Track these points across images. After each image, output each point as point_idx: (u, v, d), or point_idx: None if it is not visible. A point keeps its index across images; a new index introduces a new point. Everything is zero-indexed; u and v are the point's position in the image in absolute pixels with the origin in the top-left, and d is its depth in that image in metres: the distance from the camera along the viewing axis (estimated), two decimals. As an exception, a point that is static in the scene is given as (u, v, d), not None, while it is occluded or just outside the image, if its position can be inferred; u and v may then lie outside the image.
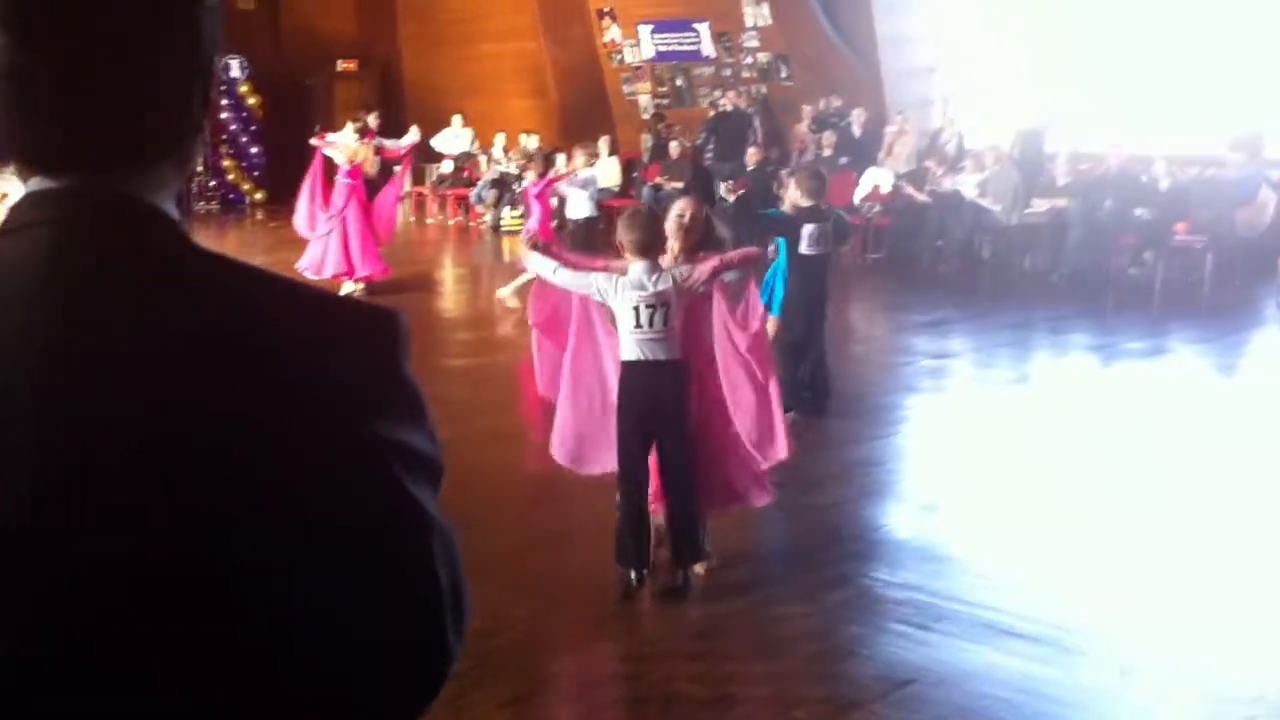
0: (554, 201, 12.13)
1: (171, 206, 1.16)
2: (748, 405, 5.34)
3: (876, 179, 15.23)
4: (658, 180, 17.45)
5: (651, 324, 5.07)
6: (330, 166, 12.71)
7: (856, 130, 16.47)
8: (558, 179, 11.82)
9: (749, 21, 18.27)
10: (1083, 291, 12.36)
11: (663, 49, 19.58)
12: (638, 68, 20.04)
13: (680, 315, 5.15)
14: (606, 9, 19.90)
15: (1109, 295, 12.26)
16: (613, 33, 20.05)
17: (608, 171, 18.44)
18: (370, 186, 12.68)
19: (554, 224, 12.11)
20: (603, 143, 18.69)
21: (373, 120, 13.41)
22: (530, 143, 19.78)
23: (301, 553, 1.07)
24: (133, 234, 1.11)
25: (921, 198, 14.58)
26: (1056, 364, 10.30)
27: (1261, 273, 12.46)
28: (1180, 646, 4.75)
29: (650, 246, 5.13)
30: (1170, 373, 9.85)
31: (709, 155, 17.62)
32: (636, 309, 5.07)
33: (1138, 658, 4.66)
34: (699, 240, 5.35)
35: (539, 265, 5.29)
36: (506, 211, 18.06)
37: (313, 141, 12.89)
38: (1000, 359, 10.21)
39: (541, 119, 20.73)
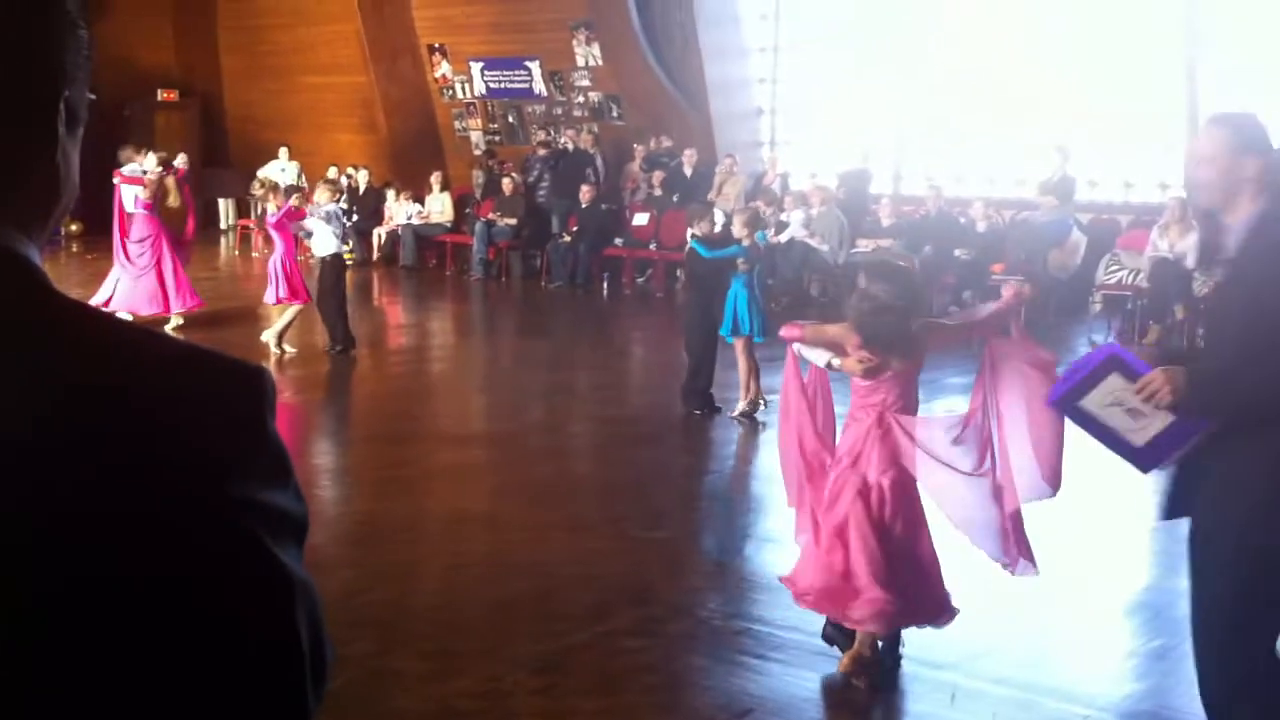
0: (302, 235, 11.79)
1: (31, 249, 1.09)
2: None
3: (706, 218, 15.45)
4: (490, 216, 17.41)
5: None
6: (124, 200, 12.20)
7: (688, 170, 16.72)
8: (299, 213, 11.47)
9: (580, 61, 18.42)
10: (906, 329, 12.75)
11: (494, 86, 19.59)
12: (469, 104, 20.01)
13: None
14: (437, 45, 19.84)
15: (931, 333, 12.66)
16: (444, 68, 19.99)
17: (440, 207, 18.35)
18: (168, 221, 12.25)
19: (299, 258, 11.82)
20: (434, 178, 18.60)
21: (180, 161, 13.07)
22: (360, 176, 19.55)
23: (159, 614, 1.03)
24: None
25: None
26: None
27: (1073, 311, 13.04)
28: (1008, 671, 4.89)
29: None
30: (990, 407, 10.20)
31: (542, 192, 17.66)
32: None
33: (967, 683, 4.78)
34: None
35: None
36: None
37: (116, 180, 12.29)
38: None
39: (371, 153, 20.51)
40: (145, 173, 12.13)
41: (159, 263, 11.89)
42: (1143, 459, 3.84)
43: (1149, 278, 12.31)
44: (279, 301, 11.33)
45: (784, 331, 4.88)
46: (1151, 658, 5.16)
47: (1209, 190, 3.67)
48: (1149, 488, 7.73)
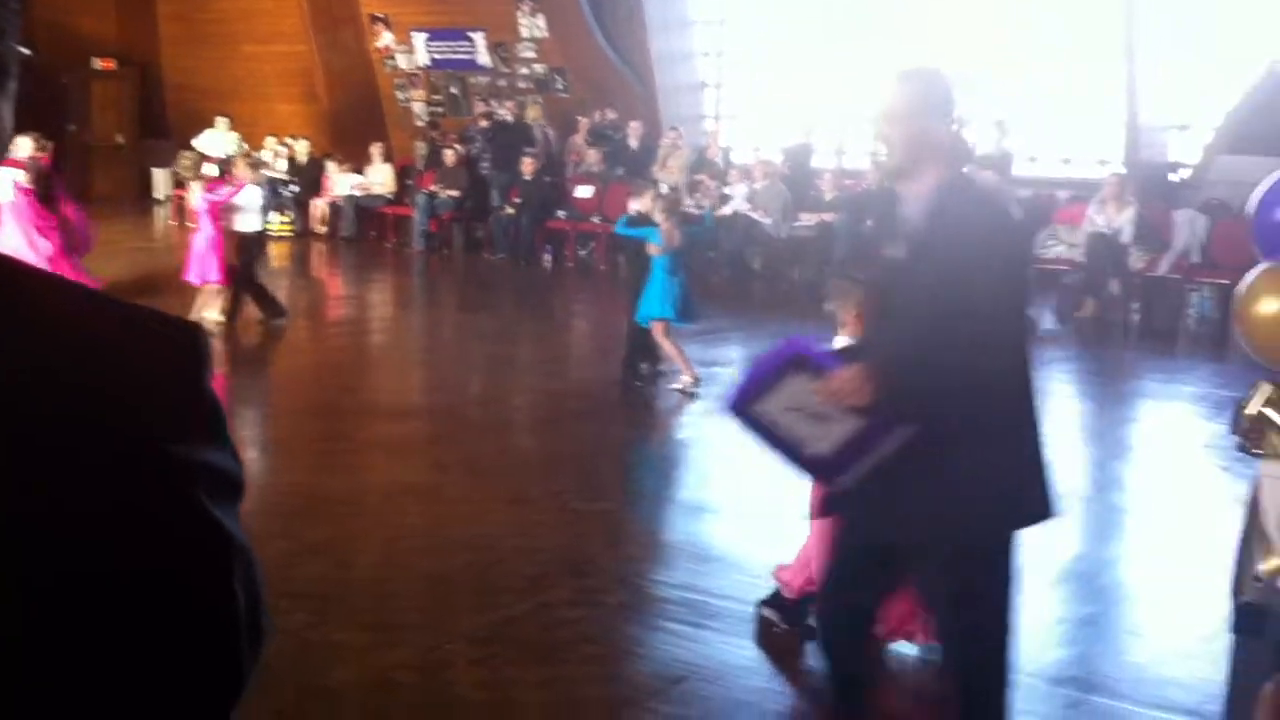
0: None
1: None
2: None
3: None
4: (433, 188, 17.31)
5: None
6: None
7: (633, 143, 16.69)
8: (227, 189, 11.26)
9: (525, 33, 18.31)
10: (847, 302, 12.79)
11: (438, 57, 19.43)
12: (412, 74, 19.84)
13: None
14: (380, 15, 19.65)
15: (872, 306, 12.72)
16: (386, 39, 19.81)
17: (381, 178, 18.22)
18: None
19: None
20: (376, 149, 18.46)
21: (44, 149, 12.82)
22: (299, 147, 19.36)
23: (94, 575, 1.02)
24: None
25: (693, 211, 14.83)
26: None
27: (1011, 285, 13.15)
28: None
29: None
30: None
31: (485, 165, 17.57)
32: None
33: (899, 645, 4.85)
34: None
35: None
36: (275, 216, 17.58)
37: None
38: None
39: (312, 123, 20.29)
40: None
41: (63, 248, 11.65)
42: (823, 469, 3.34)
43: (1085, 252, 12.45)
44: (207, 282, 11.17)
45: None
46: (1080, 624, 5.26)
47: (892, 152, 3.22)
48: (1079, 459, 7.85)
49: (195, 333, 1.10)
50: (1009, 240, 3.25)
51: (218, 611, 1.08)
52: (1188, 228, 12.51)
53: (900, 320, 3.17)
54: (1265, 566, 3.38)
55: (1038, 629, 5.17)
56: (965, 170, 3.33)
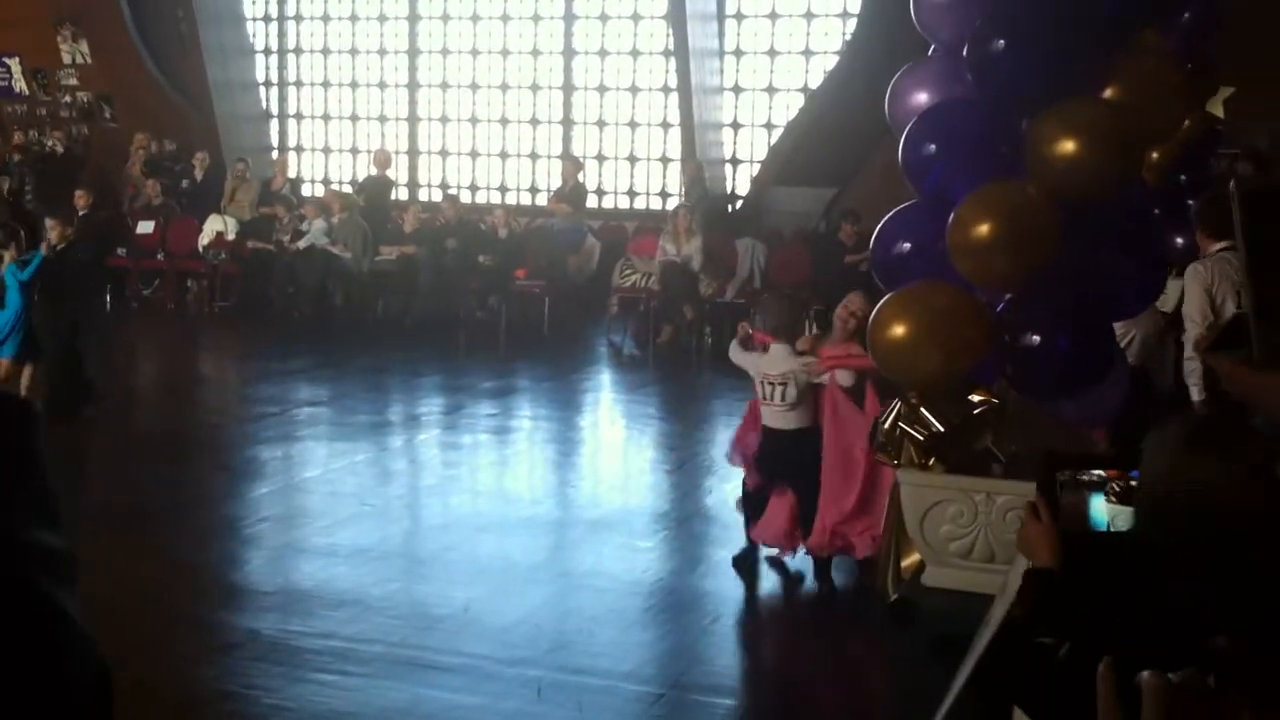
0: None
1: None
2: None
3: (219, 225, 14.82)
4: (-30, 226, 15.79)
5: (776, 398, 5.85)
6: None
7: (199, 175, 15.95)
8: None
9: (67, 59, 17.15)
10: (435, 335, 12.79)
11: (-34, 83, 17.86)
12: (-63, 102, 18.09)
13: (809, 394, 5.82)
14: (-107, 35, 17.77)
15: (460, 338, 12.79)
16: (-100, 62, 17.95)
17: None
18: None
19: None
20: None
21: None
22: None
23: None
24: None
25: (266, 246, 14.35)
26: (416, 406, 10.57)
27: (592, 313, 13.59)
28: (585, 661, 5.06)
29: (781, 331, 5.88)
30: (520, 407, 10.48)
31: (29, 198, 16.23)
32: (762, 384, 5.90)
33: (550, 676, 4.89)
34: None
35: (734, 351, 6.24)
36: None
37: None
38: (362, 404, 10.29)
39: None
40: None
41: None
42: None
43: (659, 280, 13.04)
44: None
45: (826, 359, 5.78)
46: (699, 634, 5.51)
47: None
48: (662, 480, 8.16)
49: (28, 409, 1.02)
50: None
51: (50, 698, 1.00)
52: (749, 255, 13.37)
53: None
54: (905, 563, 3.69)
55: (671, 643, 5.39)
56: None
